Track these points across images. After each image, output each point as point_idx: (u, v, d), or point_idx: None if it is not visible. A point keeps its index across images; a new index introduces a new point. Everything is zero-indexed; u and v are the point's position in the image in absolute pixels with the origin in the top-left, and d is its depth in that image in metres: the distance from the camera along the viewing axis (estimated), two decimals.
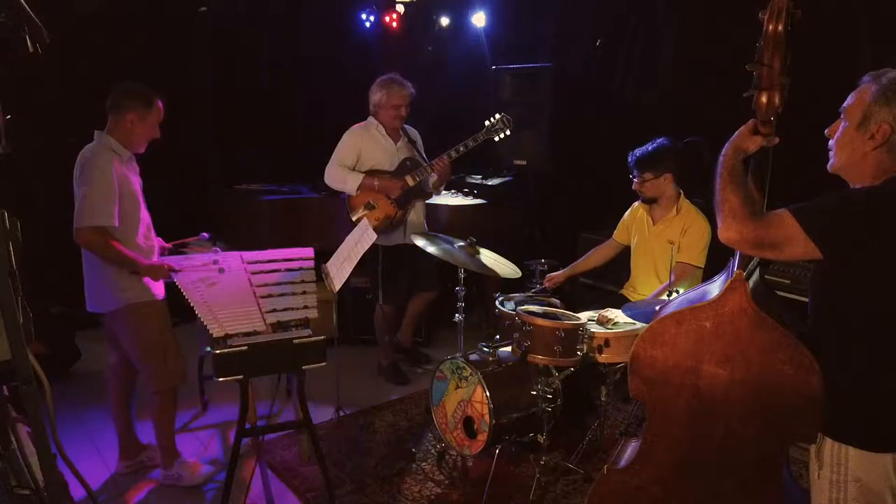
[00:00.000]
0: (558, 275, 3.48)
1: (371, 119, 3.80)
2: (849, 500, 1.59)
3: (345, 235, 3.19)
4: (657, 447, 1.91)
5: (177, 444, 2.95)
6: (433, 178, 3.77)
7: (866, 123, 1.56)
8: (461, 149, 3.62)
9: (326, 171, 3.75)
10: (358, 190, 3.70)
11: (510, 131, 3.61)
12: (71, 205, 2.67)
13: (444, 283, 3.98)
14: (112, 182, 2.57)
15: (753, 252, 1.66)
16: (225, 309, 2.49)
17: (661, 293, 3.06)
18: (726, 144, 1.71)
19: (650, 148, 3.17)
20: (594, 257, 3.56)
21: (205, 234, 3.10)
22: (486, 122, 3.61)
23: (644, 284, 3.32)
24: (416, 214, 3.85)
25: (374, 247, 3.73)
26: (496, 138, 3.62)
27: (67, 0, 4.16)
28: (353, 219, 3.70)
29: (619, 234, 3.50)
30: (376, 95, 3.73)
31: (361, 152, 3.75)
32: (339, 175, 3.72)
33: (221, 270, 2.67)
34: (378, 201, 3.69)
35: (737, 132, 1.71)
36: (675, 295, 2.61)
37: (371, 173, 3.72)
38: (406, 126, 3.86)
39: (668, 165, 3.14)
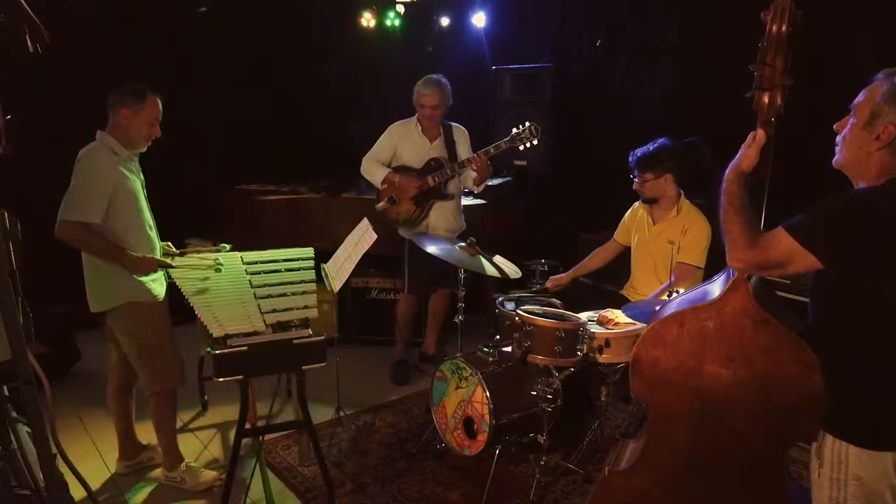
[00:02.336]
0: (561, 277, 3.48)
1: (415, 116, 3.90)
2: (849, 498, 1.59)
3: (345, 235, 3.20)
4: (659, 448, 1.90)
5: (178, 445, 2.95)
6: (473, 175, 3.77)
7: (873, 123, 1.55)
8: (492, 150, 3.58)
9: (363, 161, 3.91)
10: (383, 183, 3.81)
11: (537, 141, 3.55)
12: None
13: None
14: (103, 179, 2.57)
15: (762, 274, 1.68)
16: (225, 309, 2.49)
17: (661, 293, 3.06)
18: (728, 169, 1.71)
19: (651, 148, 3.17)
20: (596, 259, 3.57)
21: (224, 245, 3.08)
22: (514, 130, 3.57)
23: (644, 284, 3.31)
24: (438, 215, 3.87)
25: (401, 238, 3.92)
26: (521, 147, 3.58)
27: (67, 0, 4.16)
28: (377, 208, 3.81)
29: (619, 235, 3.50)
30: (414, 95, 3.83)
31: (397, 148, 3.88)
32: (370, 167, 3.88)
33: (219, 269, 2.67)
34: (400, 197, 3.79)
35: (739, 152, 1.71)
36: (675, 295, 2.61)
37: (398, 170, 3.82)
38: (454, 124, 3.92)
39: (668, 165, 3.14)
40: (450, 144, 3.86)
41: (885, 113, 1.53)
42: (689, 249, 3.10)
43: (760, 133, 1.67)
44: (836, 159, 1.66)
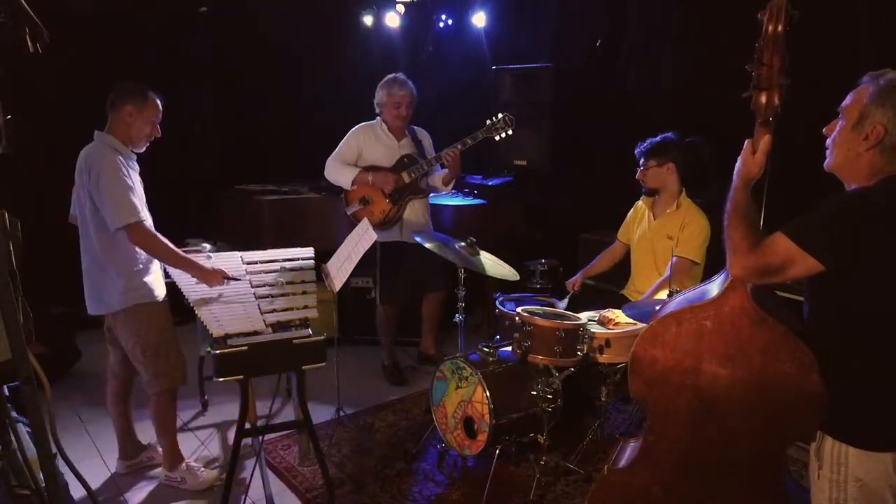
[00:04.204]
0: (576, 279, 3.47)
1: (378, 118, 3.85)
2: (849, 499, 1.59)
3: (345, 235, 3.20)
4: (658, 447, 1.91)
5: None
6: (442, 173, 3.77)
7: (862, 124, 1.56)
8: (459, 147, 3.62)
9: (326, 164, 3.81)
10: (353, 185, 3.74)
11: (511, 131, 3.61)
12: (68, 204, 2.67)
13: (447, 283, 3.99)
14: (126, 177, 2.60)
15: (763, 281, 1.65)
16: (225, 309, 2.49)
17: (658, 288, 3.07)
18: (734, 177, 1.71)
19: (657, 138, 3.23)
20: (603, 260, 3.56)
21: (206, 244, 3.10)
22: (488, 121, 3.61)
23: (644, 281, 3.31)
24: (413, 212, 3.84)
25: (373, 244, 3.80)
26: (497, 137, 3.62)
27: (67, 0, 4.17)
28: (349, 213, 3.74)
29: (622, 235, 3.51)
30: (378, 95, 3.79)
31: (363, 150, 3.80)
32: (336, 169, 3.78)
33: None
34: (373, 196, 3.72)
35: (740, 160, 1.70)
36: (675, 294, 2.61)
37: (367, 169, 3.75)
38: (416, 127, 3.89)
39: (672, 156, 3.18)
40: (417, 143, 3.85)
41: (873, 114, 1.54)
42: (687, 244, 3.11)
43: (766, 138, 1.67)
44: (827, 163, 1.67)
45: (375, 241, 3.77)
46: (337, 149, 3.81)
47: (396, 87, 3.72)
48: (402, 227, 3.82)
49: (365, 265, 4.20)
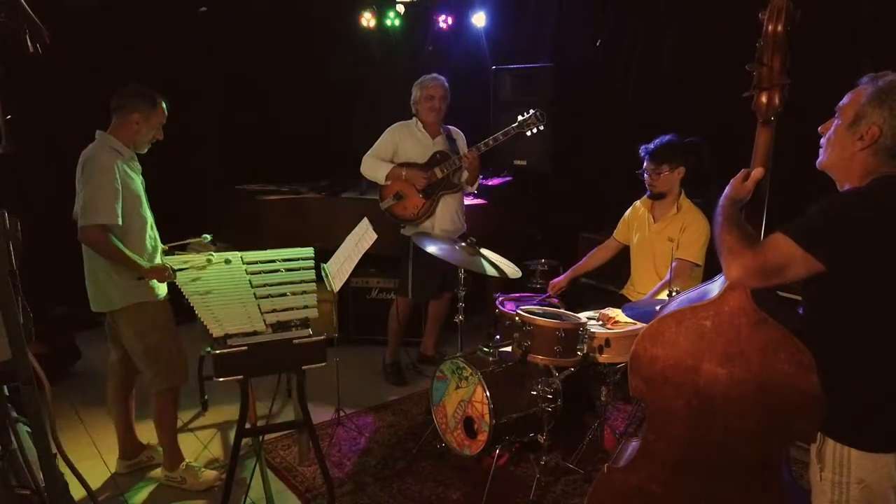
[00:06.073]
0: (560, 280, 3.46)
1: (413, 118, 3.91)
2: (851, 501, 1.58)
3: (345, 235, 3.20)
4: (657, 446, 1.91)
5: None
6: (465, 174, 3.81)
7: (857, 123, 1.57)
8: (490, 142, 3.64)
9: (362, 160, 3.87)
10: (387, 180, 3.78)
11: (543, 126, 3.62)
12: (71, 204, 2.67)
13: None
14: (114, 180, 2.58)
15: (762, 283, 1.63)
16: (225, 309, 2.49)
17: (659, 290, 3.06)
18: (722, 197, 1.74)
19: (666, 140, 3.16)
20: (594, 258, 3.55)
21: (206, 235, 3.09)
22: (519, 117, 3.63)
23: (644, 283, 3.31)
24: (445, 208, 3.84)
25: (405, 239, 3.84)
26: (528, 133, 3.63)
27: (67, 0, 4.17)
28: (383, 208, 3.78)
29: (619, 233, 3.50)
30: (413, 93, 3.85)
31: (398, 147, 3.85)
32: (372, 164, 3.84)
33: (228, 261, 2.67)
34: (406, 192, 3.76)
35: (730, 184, 1.74)
36: (675, 294, 2.61)
37: (402, 165, 3.79)
38: (450, 126, 3.94)
39: (684, 159, 3.15)
40: (451, 142, 3.87)
41: (869, 114, 1.55)
42: (688, 246, 3.11)
43: (759, 170, 1.69)
44: (820, 160, 1.68)
45: (408, 237, 3.81)
46: (373, 147, 3.87)
47: (429, 80, 3.80)
48: (434, 223, 3.83)
49: (387, 262, 4.22)
